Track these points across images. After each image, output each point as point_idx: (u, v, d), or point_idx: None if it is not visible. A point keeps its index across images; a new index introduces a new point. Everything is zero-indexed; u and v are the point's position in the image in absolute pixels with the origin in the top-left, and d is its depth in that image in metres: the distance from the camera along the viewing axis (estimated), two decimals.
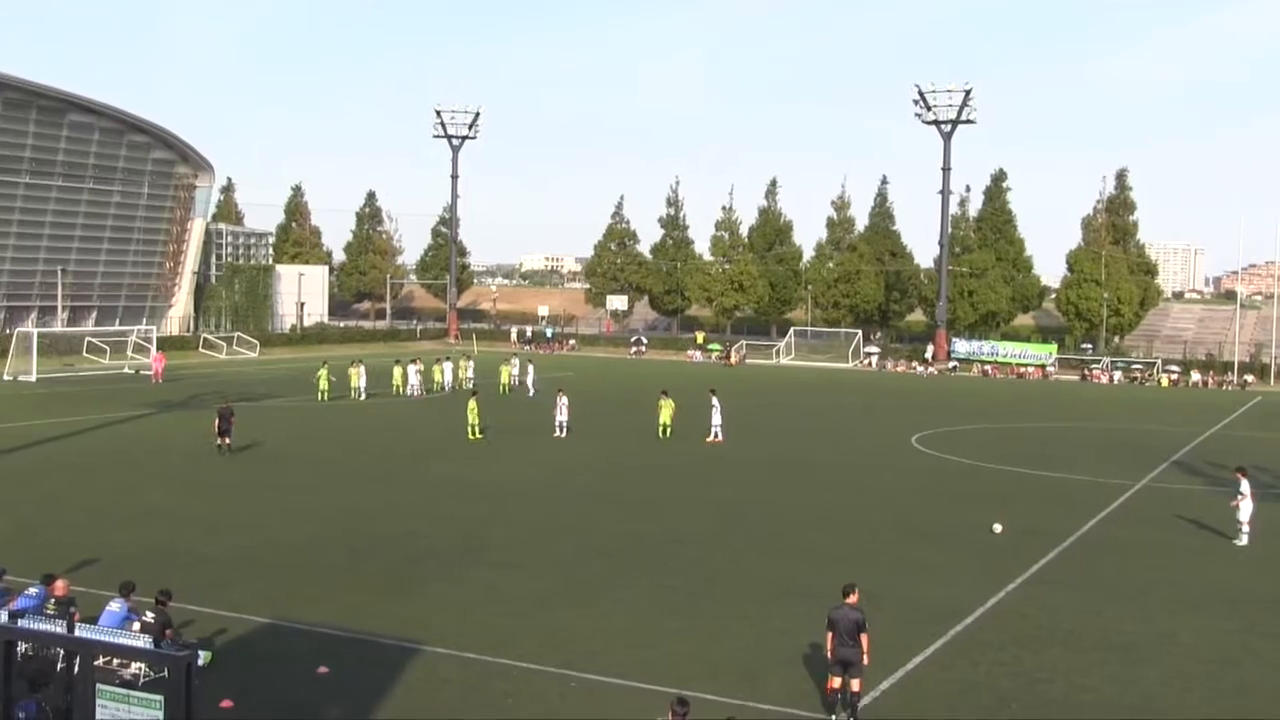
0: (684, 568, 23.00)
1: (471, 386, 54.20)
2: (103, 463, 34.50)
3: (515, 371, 61.05)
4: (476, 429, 40.86)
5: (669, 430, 42.34)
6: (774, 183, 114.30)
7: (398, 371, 56.70)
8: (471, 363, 63.34)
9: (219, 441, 36.26)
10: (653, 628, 18.93)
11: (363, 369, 54.69)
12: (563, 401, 42.50)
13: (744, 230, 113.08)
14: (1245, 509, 26.62)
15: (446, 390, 57.22)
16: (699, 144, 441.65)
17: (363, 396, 53.11)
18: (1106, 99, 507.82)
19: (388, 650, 17.35)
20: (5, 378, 60.08)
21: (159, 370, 61.39)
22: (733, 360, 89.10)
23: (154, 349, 68.19)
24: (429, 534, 25.46)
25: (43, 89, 77.85)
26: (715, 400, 42.37)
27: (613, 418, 48.27)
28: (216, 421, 36.77)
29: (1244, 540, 26.43)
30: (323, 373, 53.19)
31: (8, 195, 77.77)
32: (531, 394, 55.96)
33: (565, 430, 41.96)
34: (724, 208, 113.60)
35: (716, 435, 41.44)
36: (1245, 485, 26.84)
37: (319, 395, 52.37)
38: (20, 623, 9.58)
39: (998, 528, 26.62)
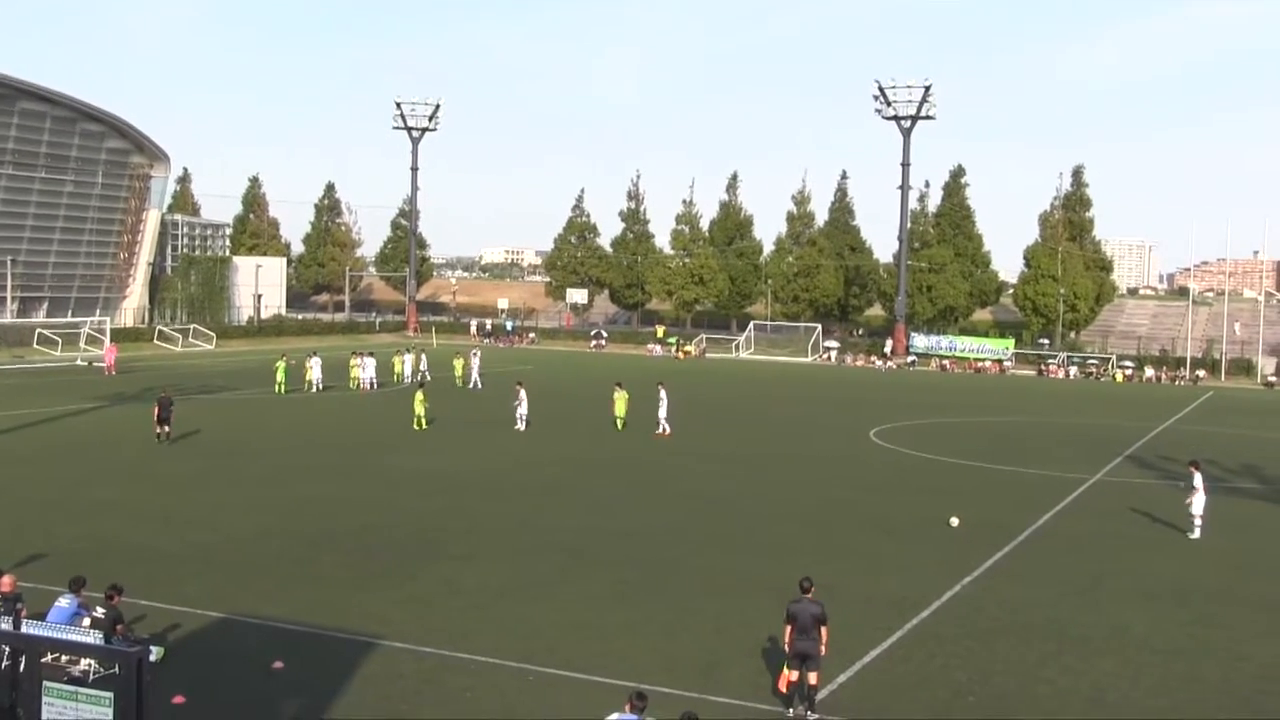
0: (642, 561, 22.99)
1: (421, 378, 54.10)
2: (53, 456, 33.99)
3: (477, 364, 61.02)
4: (423, 420, 41.03)
5: (624, 423, 42.41)
6: (735, 177, 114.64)
7: (354, 364, 56.33)
8: (424, 355, 62.97)
9: (159, 430, 36.43)
10: (611, 621, 18.90)
11: (318, 361, 54.41)
12: (522, 395, 42.46)
13: (705, 224, 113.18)
14: (1198, 502, 26.97)
15: (406, 383, 56.92)
16: (660, 138, 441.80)
17: (319, 389, 52.81)
18: (1064, 97, 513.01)
19: (344, 645, 17.21)
20: None
21: (111, 362, 60.71)
22: (682, 355, 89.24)
23: (107, 341, 67.40)
24: (386, 527, 25.28)
25: None
26: (662, 394, 42.41)
27: (571, 411, 48.20)
28: (156, 410, 36.97)
29: (1197, 534, 26.77)
30: (280, 365, 52.77)
31: None
32: (476, 386, 56.29)
33: (525, 423, 41.87)
34: (685, 201, 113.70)
35: (664, 429, 41.50)
36: (1198, 479, 27.17)
37: (276, 388, 51.94)
38: None
39: (955, 521, 26.81)
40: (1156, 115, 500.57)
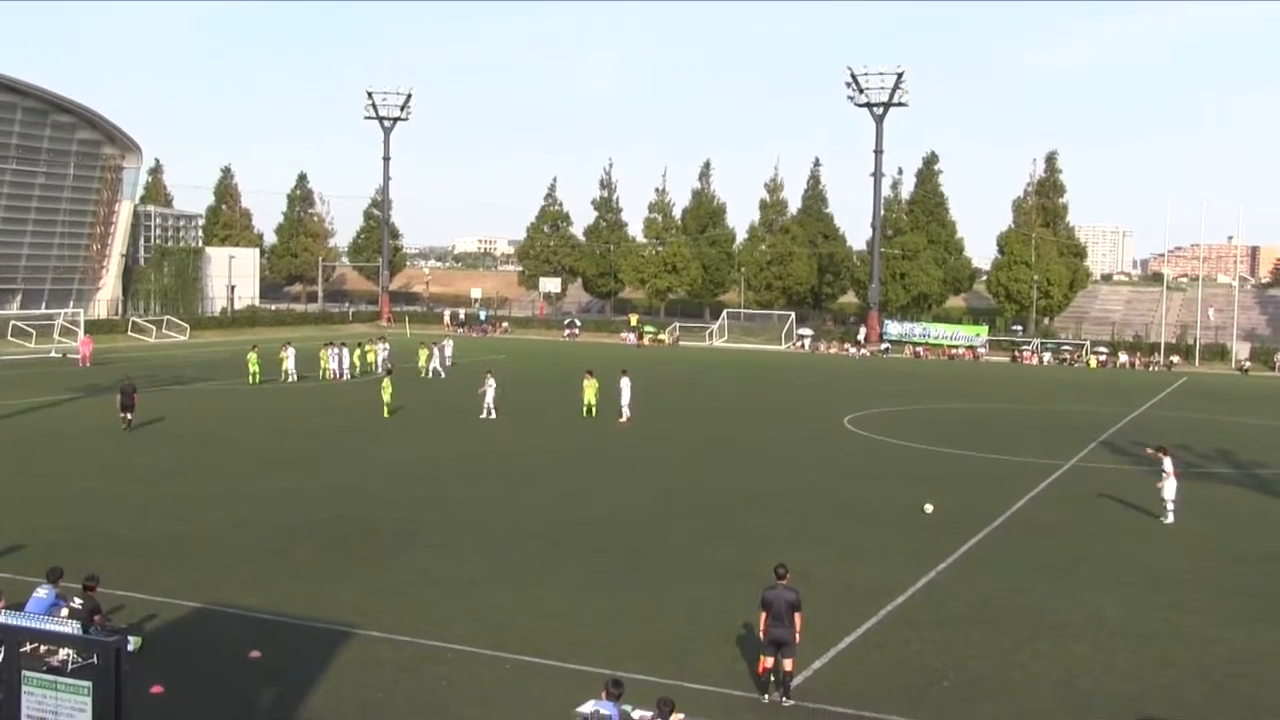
0: (615, 549, 23.08)
1: (388, 367, 54.13)
2: (29, 447, 33.81)
3: (449, 353, 61.68)
4: (389, 408, 41.40)
5: (594, 410, 42.71)
6: (707, 165, 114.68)
7: (324, 355, 56.31)
8: (388, 345, 62.81)
9: (122, 416, 36.94)
10: (586, 609, 18.99)
11: (292, 351, 54.35)
12: (490, 383, 42.69)
13: (677, 212, 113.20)
14: (1170, 488, 27.26)
15: (380, 372, 56.71)
16: (633, 126, 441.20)
17: (293, 379, 52.70)
18: (1038, 83, 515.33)
19: (321, 634, 17.24)
20: None
21: (86, 354, 60.35)
22: (644, 342, 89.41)
23: (81, 332, 66.98)
24: (361, 517, 25.29)
25: None
26: (625, 380, 42.67)
27: (543, 399, 48.28)
28: (119, 398, 37.55)
29: (1170, 518, 27.07)
30: (252, 356, 52.57)
31: None
32: (438, 375, 56.50)
33: (492, 412, 42.06)
34: (657, 190, 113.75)
35: (625, 414, 41.80)
36: (1168, 464, 27.46)
37: (250, 378, 51.76)
38: None
39: (929, 508, 27.02)
40: (1130, 102, 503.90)
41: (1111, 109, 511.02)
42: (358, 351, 58.81)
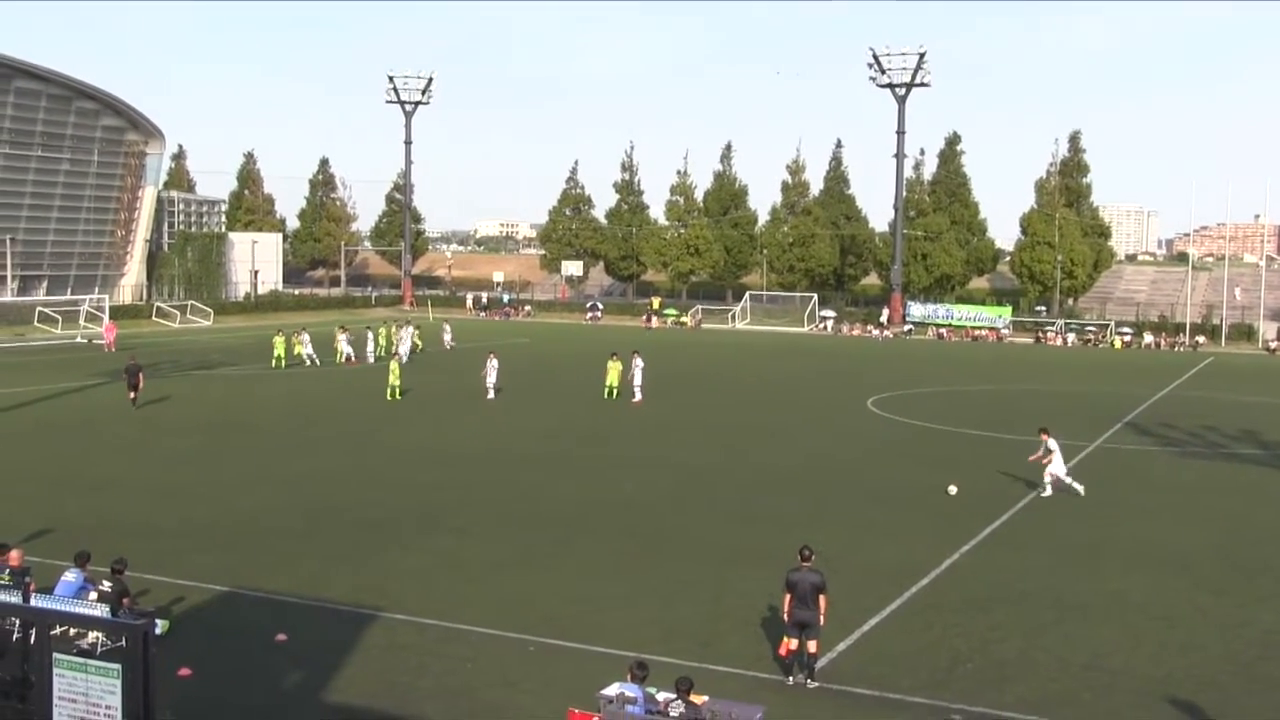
0: (638, 532, 23.10)
1: (395, 350, 54.42)
2: (56, 432, 34.09)
3: (448, 338, 62.30)
4: (397, 390, 41.85)
5: (615, 392, 42.91)
6: (729, 147, 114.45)
7: (339, 339, 56.70)
8: (416, 328, 62.99)
9: (131, 395, 38.46)
10: (609, 592, 19.03)
11: (307, 336, 55.02)
12: (492, 364, 43.08)
13: (699, 195, 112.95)
14: (1055, 465, 27.38)
15: (403, 358, 56.85)
16: (654, 109, 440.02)
17: (316, 363, 52.99)
18: (1061, 62, 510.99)
19: (346, 617, 17.33)
20: None
21: (111, 340, 60.82)
22: (655, 325, 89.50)
23: (106, 318, 67.38)
24: (383, 501, 25.40)
25: None
26: (638, 361, 42.89)
27: (565, 382, 48.41)
28: (126, 377, 39.05)
29: (1049, 491, 27.26)
30: (279, 340, 52.89)
31: None
32: (404, 360, 56.01)
33: (494, 391, 42.59)
34: (679, 172, 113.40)
35: (638, 395, 42.17)
36: (1051, 443, 27.57)
37: (274, 362, 52.08)
38: None
39: (953, 489, 26.94)
40: (1155, 79, 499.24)
41: (1135, 87, 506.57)
42: (383, 332, 59.18)
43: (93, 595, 15.09)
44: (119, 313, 75.01)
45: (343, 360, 54.88)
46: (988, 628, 17.61)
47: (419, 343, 60.61)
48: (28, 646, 9.11)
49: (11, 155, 79.74)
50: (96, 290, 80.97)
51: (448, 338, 63.45)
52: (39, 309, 72.39)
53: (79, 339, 65.94)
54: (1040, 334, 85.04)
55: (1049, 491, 27.23)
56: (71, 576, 15.84)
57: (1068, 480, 27.41)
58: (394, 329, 60.24)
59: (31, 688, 8.78)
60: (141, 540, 20.96)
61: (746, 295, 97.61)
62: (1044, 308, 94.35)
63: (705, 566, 20.65)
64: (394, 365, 43.12)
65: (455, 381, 47.55)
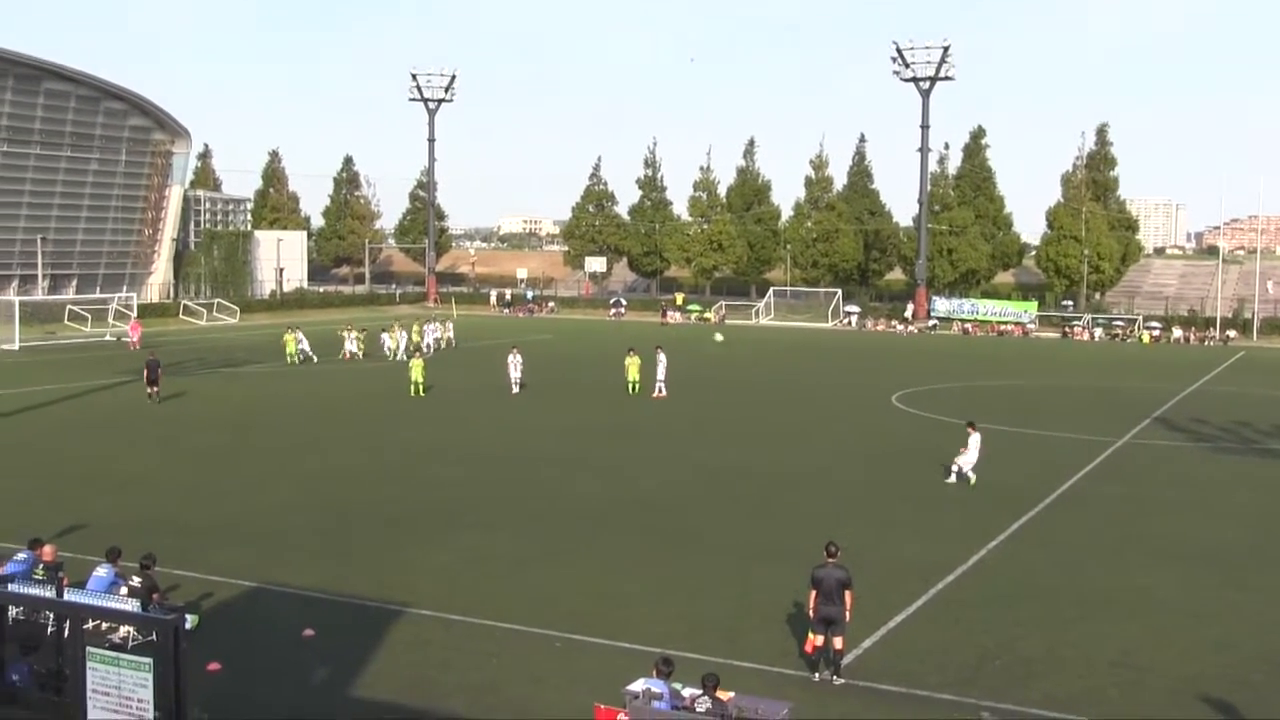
0: (662, 528, 23.12)
1: (412, 348, 54.56)
2: (85, 429, 34.42)
3: (449, 334, 62.59)
4: (420, 387, 42.11)
5: (637, 387, 43.15)
6: (752, 142, 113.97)
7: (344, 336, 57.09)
8: (438, 324, 63.00)
9: (149, 391, 39.30)
10: (633, 587, 19.06)
11: (300, 334, 54.93)
12: (516, 359, 43.61)
13: (722, 190, 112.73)
14: (966, 460, 27.77)
15: (429, 353, 57.09)
16: (677, 105, 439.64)
17: (313, 360, 53.27)
18: (1087, 53, 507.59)
19: (372, 613, 17.43)
20: None
21: (136, 338, 61.44)
22: (670, 320, 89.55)
23: (134, 316, 67.86)
24: (407, 497, 25.52)
25: (18, 57, 77.06)
26: (661, 356, 43.25)
27: (588, 378, 48.58)
28: (145, 373, 39.79)
29: (953, 479, 27.72)
30: (290, 338, 53.87)
31: None
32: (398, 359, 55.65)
33: (516, 386, 43.15)
34: (702, 168, 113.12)
35: (661, 390, 42.45)
36: (973, 439, 27.90)
37: (289, 360, 52.71)
38: (10, 587, 9.62)
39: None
40: (1183, 70, 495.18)
41: (1163, 78, 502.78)
42: (414, 328, 59.53)
43: (123, 590, 15.25)
44: (146, 311, 75.66)
45: (345, 356, 55.09)
46: (1014, 624, 17.54)
47: (452, 338, 60.90)
48: (62, 640, 9.23)
49: (42, 155, 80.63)
50: (125, 288, 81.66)
51: (430, 337, 60.86)
52: (69, 307, 73.04)
53: (108, 337, 66.54)
54: (1067, 329, 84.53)
55: (953, 479, 27.68)
56: (103, 572, 16.01)
57: (954, 468, 27.94)
58: (416, 325, 60.47)
59: (66, 680, 8.89)
60: (169, 536, 21.13)
61: (770, 291, 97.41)
62: (1070, 302, 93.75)
63: (730, 562, 20.66)
64: (417, 362, 43.38)
65: (478, 378, 47.69)
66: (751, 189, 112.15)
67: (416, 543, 21.65)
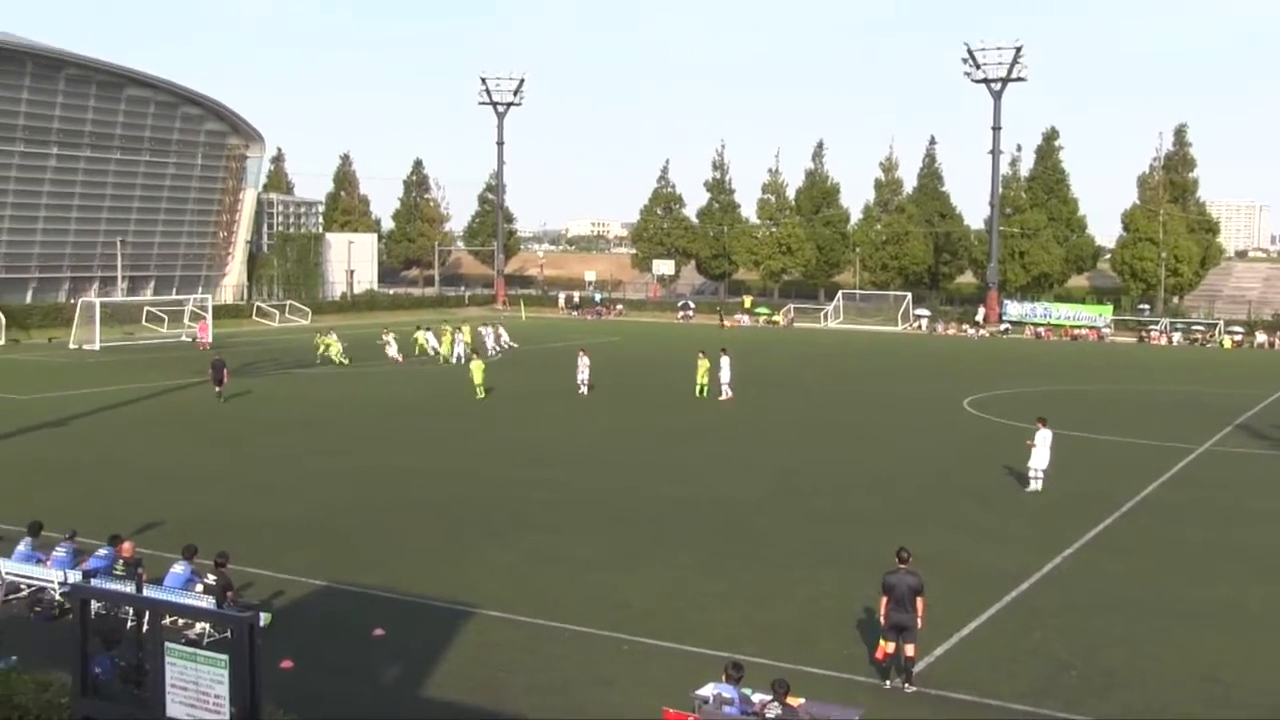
0: (731, 531, 23.01)
1: (470, 351, 54.71)
2: (160, 428, 35.07)
3: (504, 337, 62.40)
4: (481, 389, 42.45)
5: (705, 390, 43.10)
6: (820, 145, 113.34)
7: (446, 338, 57.67)
8: (492, 329, 62.91)
9: (217, 390, 40.58)
10: (702, 591, 18.97)
11: (334, 336, 56.11)
12: (584, 361, 44.08)
13: (790, 193, 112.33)
14: (1037, 456, 26.98)
15: (496, 355, 57.43)
16: (745, 107, 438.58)
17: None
18: (1163, 53, 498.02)
19: (441, 613, 17.53)
20: (70, 346, 61.96)
21: (206, 339, 63.12)
22: (728, 323, 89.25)
23: (209, 318, 68.83)
24: (476, 498, 25.66)
25: (101, 65, 79.08)
26: (725, 359, 43.26)
27: (656, 380, 48.63)
28: (211, 372, 41.26)
29: (1036, 485, 26.88)
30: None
31: (69, 169, 78.98)
32: (459, 360, 55.90)
33: (587, 388, 43.65)
34: (770, 170, 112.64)
35: (727, 393, 42.55)
36: (1040, 435, 27.15)
37: (336, 360, 53.79)
38: (92, 583, 9.83)
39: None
40: (1265, 69, 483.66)
41: (1245, 77, 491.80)
42: (461, 331, 59.78)
43: (199, 588, 15.50)
44: (221, 312, 76.92)
45: (399, 359, 55.41)
46: (1091, 634, 17.18)
47: (507, 342, 61.11)
48: (142, 634, 9.38)
49: (123, 160, 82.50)
50: (200, 290, 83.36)
51: (490, 341, 60.81)
52: (146, 308, 74.63)
53: (184, 337, 67.90)
54: (1144, 333, 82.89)
55: (1036, 486, 27.04)
56: (179, 569, 16.29)
57: (1033, 473, 27.15)
58: (465, 329, 60.55)
59: (146, 674, 9.03)
60: (241, 534, 21.44)
61: (839, 294, 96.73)
62: (1147, 306, 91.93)
63: (800, 566, 20.50)
64: (478, 364, 43.65)
65: (545, 379, 47.91)
66: (820, 191, 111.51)
67: (484, 543, 21.74)
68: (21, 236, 77.87)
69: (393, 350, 56.52)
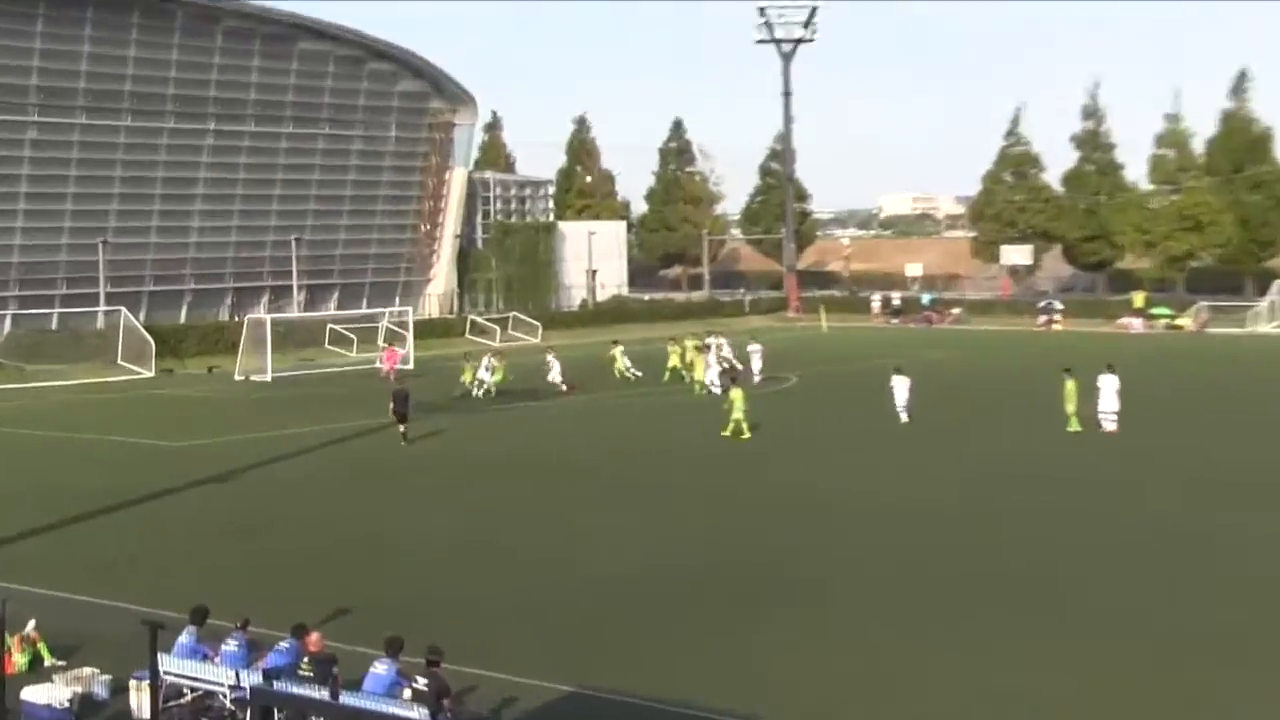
0: (1094, 606, 22.17)
1: (730, 377, 54.60)
2: (349, 482, 36.70)
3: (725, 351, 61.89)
4: (743, 425, 42.71)
5: (1075, 420, 42.82)
6: (1243, 75, 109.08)
7: (674, 354, 60.13)
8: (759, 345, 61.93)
9: (401, 429, 42.39)
10: (1047, 688, 18.31)
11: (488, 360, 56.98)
12: (902, 381, 45.30)
13: (1199, 146, 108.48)
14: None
15: (757, 378, 57.24)
16: (1126, 32, 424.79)
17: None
18: None
19: None
20: (236, 378, 64.50)
21: (392, 368, 63.47)
22: (1053, 329, 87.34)
23: (410, 338, 70.63)
24: (752, 566, 26.09)
25: (267, 13, 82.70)
26: (1108, 379, 42.88)
27: (1006, 410, 48.85)
28: (392, 405, 42.97)
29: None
30: (472, 367, 56.08)
31: (231, 149, 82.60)
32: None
33: (907, 414, 44.79)
34: (1167, 115, 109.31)
35: (1109, 425, 42.41)
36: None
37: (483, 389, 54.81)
38: (276, 685, 10.23)
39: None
40: None
41: None
42: (676, 350, 61.00)
43: (407, 693, 16.07)
44: (424, 329, 78.35)
45: (479, 392, 55.22)
46: None
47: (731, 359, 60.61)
48: None
49: (295, 135, 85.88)
50: (397, 301, 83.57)
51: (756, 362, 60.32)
52: (329, 326, 76.93)
53: (378, 364, 69.34)
54: None
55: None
56: (382, 669, 16.89)
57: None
58: (689, 346, 60.84)
59: None
60: (460, 621, 22.10)
61: (1275, 285, 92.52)
62: None
63: (1178, 655, 19.90)
64: (736, 393, 43.58)
65: (834, 411, 47.92)
66: (1244, 142, 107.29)
67: (765, 628, 21.84)
68: (173, 238, 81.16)
69: (554, 373, 57.35)
